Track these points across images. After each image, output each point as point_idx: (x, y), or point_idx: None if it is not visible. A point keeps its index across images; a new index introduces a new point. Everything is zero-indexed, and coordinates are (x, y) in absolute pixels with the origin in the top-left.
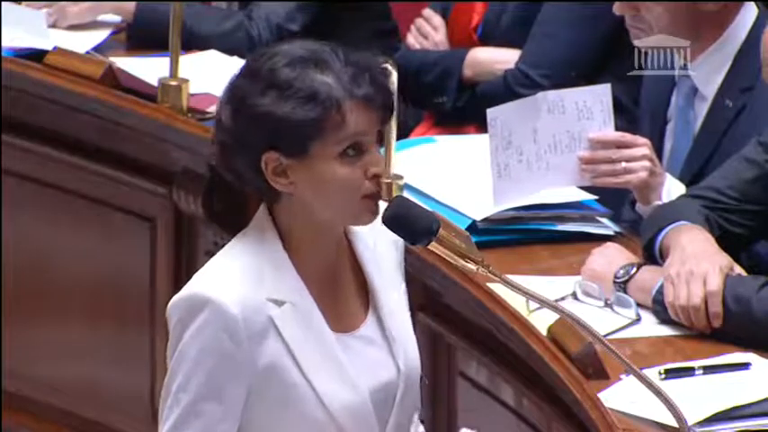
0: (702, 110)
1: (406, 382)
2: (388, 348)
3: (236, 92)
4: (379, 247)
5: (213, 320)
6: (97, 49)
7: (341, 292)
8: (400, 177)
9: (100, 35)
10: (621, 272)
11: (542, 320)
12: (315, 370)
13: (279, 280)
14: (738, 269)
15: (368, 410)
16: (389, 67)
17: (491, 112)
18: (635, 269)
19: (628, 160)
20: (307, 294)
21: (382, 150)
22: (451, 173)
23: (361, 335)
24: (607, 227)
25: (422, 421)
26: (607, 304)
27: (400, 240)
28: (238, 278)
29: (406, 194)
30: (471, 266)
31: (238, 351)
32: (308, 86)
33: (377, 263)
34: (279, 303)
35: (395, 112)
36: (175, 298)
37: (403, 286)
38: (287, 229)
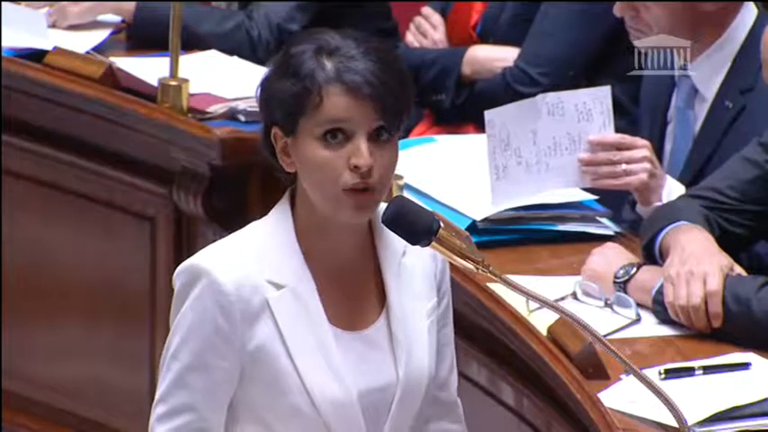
0: (702, 111)
1: (405, 390)
2: (392, 353)
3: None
4: (409, 256)
5: (208, 293)
6: (97, 49)
7: (355, 292)
8: (400, 177)
9: (100, 35)
10: (621, 272)
11: (542, 320)
12: (303, 357)
13: (283, 264)
14: (738, 269)
15: (354, 409)
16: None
17: (489, 114)
18: (635, 269)
19: (628, 162)
20: (310, 283)
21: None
22: (451, 173)
23: (366, 335)
24: (607, 227)
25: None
26: (607, 304)
27: (442, 256)
28: (241, 256)
29: (406, 194)
30: (471, 266)
31: (231, 330)
32: (297, 64)
33: (399, 269)
34: (278, 287)
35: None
36: (181, 266)
37: (435, 300)
38: (299, 215)
